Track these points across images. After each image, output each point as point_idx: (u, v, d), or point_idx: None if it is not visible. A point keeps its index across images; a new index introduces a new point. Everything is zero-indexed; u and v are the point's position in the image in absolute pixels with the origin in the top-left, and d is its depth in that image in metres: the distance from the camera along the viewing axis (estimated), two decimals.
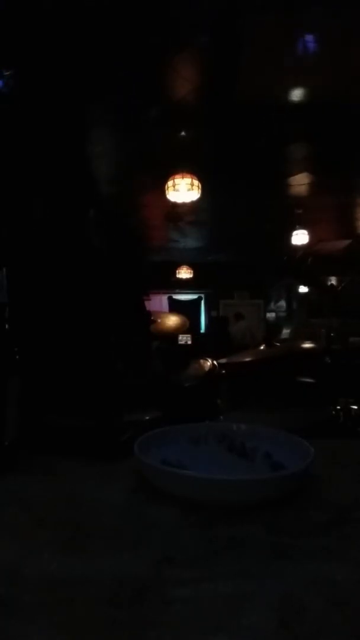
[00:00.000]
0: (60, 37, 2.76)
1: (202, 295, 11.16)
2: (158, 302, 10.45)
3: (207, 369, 2.46)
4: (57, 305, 1.09)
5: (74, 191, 1.30)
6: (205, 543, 0.50)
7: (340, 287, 8.99)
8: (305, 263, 8.66)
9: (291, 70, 3.24)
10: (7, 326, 0.74)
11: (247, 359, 2.27)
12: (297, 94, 3.54)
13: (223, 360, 2.24)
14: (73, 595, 0.41)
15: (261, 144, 4.26)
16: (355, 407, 1.54)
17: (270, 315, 10.70)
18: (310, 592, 0.41)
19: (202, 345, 5.98)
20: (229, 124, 3.98)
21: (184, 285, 10.28)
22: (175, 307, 10.75)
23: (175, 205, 5.04)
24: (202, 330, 10.61)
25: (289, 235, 7.15)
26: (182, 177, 4.53)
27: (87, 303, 1.13)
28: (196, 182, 4.55)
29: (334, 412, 1.54)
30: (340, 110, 3.72)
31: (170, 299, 10.97)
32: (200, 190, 4.59)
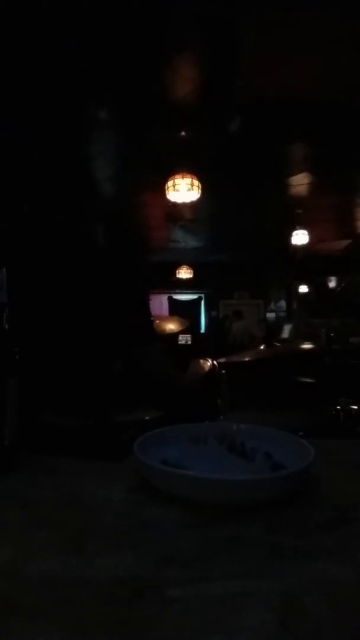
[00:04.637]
0: (60, 37, 2.76)
1: (202, 295, 11.16)
2: (158, 302, 10.46)
3: (207, 369, 2.47)
4: (57, 305, 1.09)
5: (74, 192, 1.30)
6: (205, 543, 0.50)
7: (340, 287, 8.99)
8: (303, 262, 8.67)
9: (291, 70, 3.24)
10: (7, 326, 0.74)
11: (246, 359, 2.27)
12: (297, 94, 3.54)
13: (222, 360, 2.24)
14: (73, 595, 0.41)
15: (261, 144, 4.26)
16: (355, 407, 1.54)
17: (270, 315, 10.70)
18: (310, 592, 0.41)
19: (202, 345, 5.98)
20: (228, 124, 3.98)
21: (184, 285, 10.28)
22: (175, 307, 10.75)
23: (175, 205, 5.04)
24: (202, 330, 10.62)
25: (289, 235, 7.15)
26: (182, 177, 4.53)
27: (87, 303, 1.13)
28: (196, 182, 4.55)
29: (334, 412, 1.54)
30: (340, 110, 3.72)
31: (170, 299, 10.97)
32: (200, 190, 4.59)
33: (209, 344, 7.18)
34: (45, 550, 0.49)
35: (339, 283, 9.46)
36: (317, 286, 9.33)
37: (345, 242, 8.57)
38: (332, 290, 9.07)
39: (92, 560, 0.47)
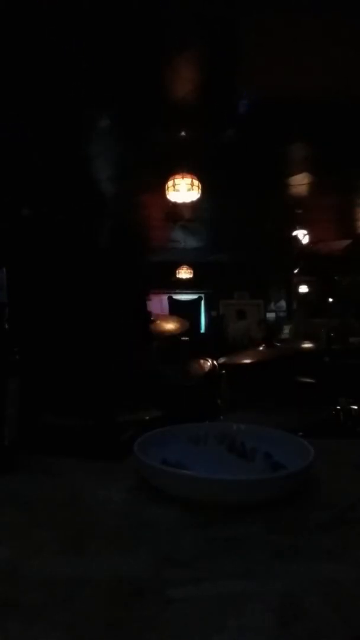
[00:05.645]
0: (60, 37, 2.76)
1: (202, 295, 11.15)
2: (158, 302, 10.45)
3: (207, 369, 2.46)
4: (57, 305, 1.09)
5: (74, 192, 1.30)
6: (204, 543, 0.50)
7: (340, 287, 8.99)
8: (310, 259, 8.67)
9: (291, 70, 3.24)
10: (7, 326, 0.74)
11: (247, 361, 2.27)
12: (297, 94, 3.54)
13: (222, 360, 2.24)
14: (73, 595, 0.41)
15: (261, 144, 4.26)
16: (355, 407, 1.54)
17: (270, 315, 10.69)
18: (310, 592, 0.41)
19: (202, 345, 5.98)
20: (229, 123, 3.98)
21: (184, 285, 10.27)
22: (175, 307, 10.75)
23: (175, 205, 5.04)
24: (202, 330, 10.61)
25: (289, 235, 7.15)
26: (182, 177, 4.52)
27: (87, 303, 1.13)
28: (196, 182, 4.55)
29: (334, 412, 1.54)
30: (340, 110, 3.72)
31: (170, 299, 10.97)
32: (200, 190, 4.59)
33: (209, 343, 7.18)
34: (45, 550, 0.49)
35: (339, 283, 9.46)
36: (323, 282, 9.30)
37: (345, 242, 8.57)
38: (335, 288, 9.06)
39: (92, 560, 0.47)
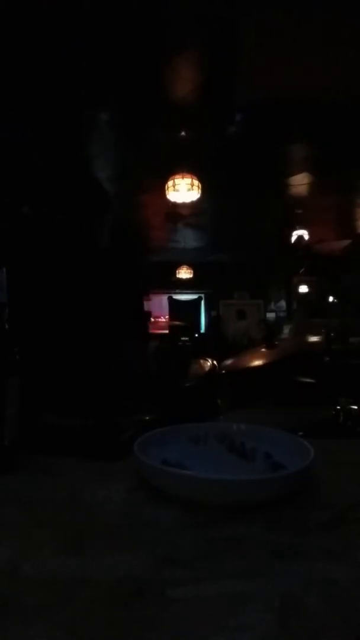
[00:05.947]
0: (60, 37, 2.76)
1: (202, 295, 11.16)
2: (158, 302, 10.46)
3: (207, 369, 2.47)
4: (57, 305, 1.09)
5: (75, 194, 1.30)
6: (205, 543, 0.50)
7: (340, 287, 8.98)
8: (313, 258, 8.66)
9: (291, 70, 3.24)
10: (7, 326, 0.74)
11: (249, 365, 2.27)
12: (297, 94, 3.54)
13: (226, 362, 2.24)
14: (73, 595, 0.41)
15: (261, 144, 4.26)
16: (355, 407, 1.54)
17: (270, 315, 10.69)
18: (310, 592, 0.41)
19: (202, 345, 5.98)
20: (229, 124, 3.98)
21: (184, 285, 10.28)
22: (175, 307, 10.76)
23: (175, 205, 5.04)
24: (202, 330, 10.63)
25: (289, 235, 7.15)
26: (182, 177, 4.53)
27: (87, 303, 1.13)
28: (196, 182, 4.55)
29: (334, 412, 1.54)
30: (340, 110, 3.72)
31: (170, 299, 10.97)
32: (200, 190, 4.59)
33: (209, 344, 7.18)
34: (45, 550, 0.49)
35: (339, 283, 9.45)
36: (323, 282, 9.27)
37: (345, 242, 8.57)
38: (335, 288, 9.04)
39: (92, 560, 0.47)
